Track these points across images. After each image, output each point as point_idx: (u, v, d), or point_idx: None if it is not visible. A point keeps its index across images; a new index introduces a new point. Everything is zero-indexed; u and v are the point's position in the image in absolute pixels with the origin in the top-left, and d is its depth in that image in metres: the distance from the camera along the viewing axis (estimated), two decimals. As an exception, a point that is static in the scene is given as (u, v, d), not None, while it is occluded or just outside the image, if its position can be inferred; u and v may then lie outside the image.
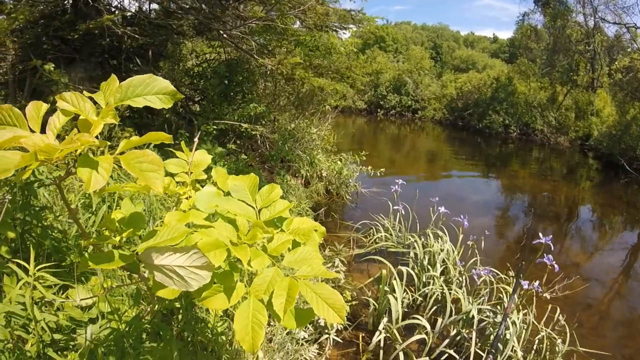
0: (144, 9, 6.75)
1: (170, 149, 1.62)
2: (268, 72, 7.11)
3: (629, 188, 12.43)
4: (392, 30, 43.43)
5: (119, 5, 6.58)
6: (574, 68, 21.24)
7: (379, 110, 27.46)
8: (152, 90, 0.98)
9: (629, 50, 20.07)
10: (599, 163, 15.75)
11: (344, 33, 7.86)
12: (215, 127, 5.35)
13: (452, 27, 53.48)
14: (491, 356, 2.58)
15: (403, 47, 40.07)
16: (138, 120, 5.61)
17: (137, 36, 5.58)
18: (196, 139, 1.57)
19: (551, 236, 3.60)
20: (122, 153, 0.93)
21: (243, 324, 0.99)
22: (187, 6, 6.52)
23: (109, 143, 1.25)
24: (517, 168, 14.71)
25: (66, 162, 1.04)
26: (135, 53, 6.27)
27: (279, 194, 1.21)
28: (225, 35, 6.48)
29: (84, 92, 1.02)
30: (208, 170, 1.50)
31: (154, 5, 6.88)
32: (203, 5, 6.03)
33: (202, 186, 1.40)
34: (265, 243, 1.13)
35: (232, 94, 6.81)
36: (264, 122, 6.79)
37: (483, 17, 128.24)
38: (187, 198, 1.34)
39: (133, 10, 6.47)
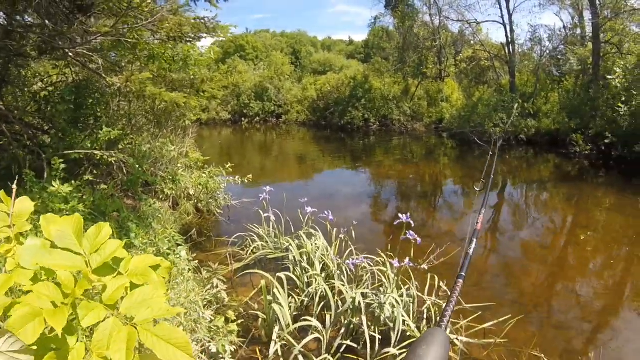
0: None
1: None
2: (120, 92, 6.54)
3: (483, 158, 14.40)
4: (252, 39, 43.24)
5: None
6: (423, 62, 23.99)
7: (243, 119, 27.34)
8: None
9: (472, 42, 23.32)
10: (453, 142, 17.92)
11: (200, 43, 7.61)
12: (62, 160, 4.73)
13: (310, 33, 55.24)
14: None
15: (263, 55, 40.25)
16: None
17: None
18: (14, 186, 1.35)
19: (409, 214, 3.95)
20: None
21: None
22: (30, 23, 5.68)
23: None
24: (382, 157, 15.93)
25: None
26: (-30, 81, 5.30)
27: (108, 233, 1.09)
28: (71, 54, 5.80)
29: None
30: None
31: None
32: (47, 22, 5.29)
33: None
34: (100, 292, 1.02)
35: (82, 119, 6.11)
36: (121, 147, 6.22)
37: (339, 22, 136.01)
38: (12, 256, 1.15)
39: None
